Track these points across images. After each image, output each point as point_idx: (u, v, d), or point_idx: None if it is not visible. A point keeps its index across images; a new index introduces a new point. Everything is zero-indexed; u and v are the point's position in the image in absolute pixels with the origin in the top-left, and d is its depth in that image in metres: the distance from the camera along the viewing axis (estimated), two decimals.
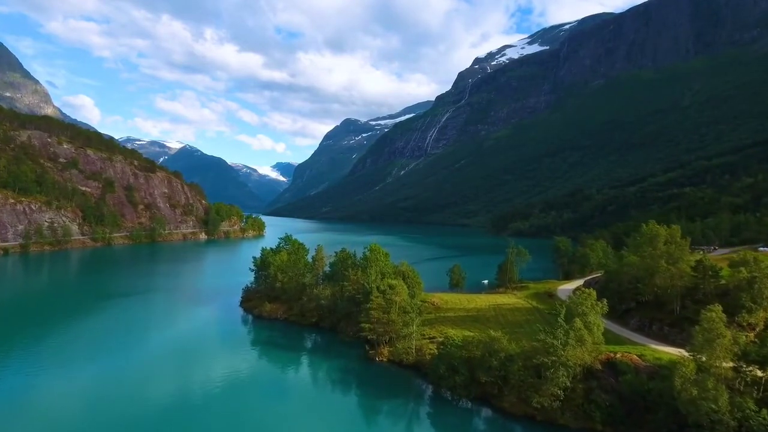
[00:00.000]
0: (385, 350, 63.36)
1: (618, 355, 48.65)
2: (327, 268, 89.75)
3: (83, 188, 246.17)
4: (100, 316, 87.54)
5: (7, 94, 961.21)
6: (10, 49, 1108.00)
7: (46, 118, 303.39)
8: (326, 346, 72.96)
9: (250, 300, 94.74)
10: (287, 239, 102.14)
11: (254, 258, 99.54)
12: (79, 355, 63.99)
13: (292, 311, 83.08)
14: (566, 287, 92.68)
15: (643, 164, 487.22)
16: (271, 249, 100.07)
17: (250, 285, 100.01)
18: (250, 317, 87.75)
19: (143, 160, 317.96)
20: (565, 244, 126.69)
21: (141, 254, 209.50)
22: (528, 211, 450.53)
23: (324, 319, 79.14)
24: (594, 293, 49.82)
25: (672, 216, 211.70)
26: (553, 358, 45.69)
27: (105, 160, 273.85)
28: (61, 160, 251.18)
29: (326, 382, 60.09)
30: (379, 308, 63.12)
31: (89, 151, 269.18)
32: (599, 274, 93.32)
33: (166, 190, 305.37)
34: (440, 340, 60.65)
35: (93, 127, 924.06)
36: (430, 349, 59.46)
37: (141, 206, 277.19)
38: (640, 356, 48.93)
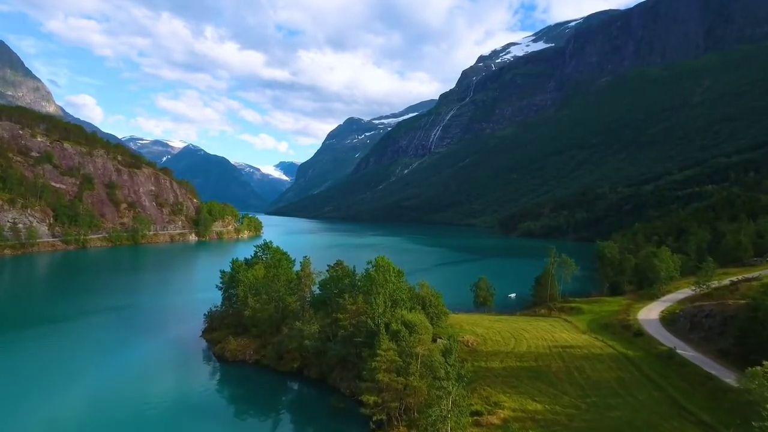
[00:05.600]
0: None
1: None
2: (316, 288, 65.40)
3: (57, 185, 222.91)
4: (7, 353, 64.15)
5: (9, 93, 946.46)
6: (11, 48, 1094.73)
7: (20, 109, 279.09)
8: (311, 415, 48.09)
9: (214, 329, 70.27)
10: (266, 247, 77.47)
11: (222, 272, 75.60)
12: None
13: (265, 351, 58.78)
14: (647, 315, 66.07)
15: (654, 162, 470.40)
16: (246, 260, 76.27)
17: (215, 307, 75.31)
18: (211, 355, 63.96)
19: (128, 156, 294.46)
20: (611, 250, 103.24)
21: (115, 259, 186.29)
22: (538, 210, 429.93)
23: (310, 366, 54.51)
24: None
25: (708, 215, 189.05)
26: None
27: (84, 154, 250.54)
28: (33, 154, 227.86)
29: None
30: (390, 366, 39.64)
31: (66, 145, 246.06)
32: (695, 291, 66.59)
33: (152, 188, 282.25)
34: (492, 421, 37.20)
35: (96, 127, 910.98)
36: None
37: (124, 205, 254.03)
38: None
